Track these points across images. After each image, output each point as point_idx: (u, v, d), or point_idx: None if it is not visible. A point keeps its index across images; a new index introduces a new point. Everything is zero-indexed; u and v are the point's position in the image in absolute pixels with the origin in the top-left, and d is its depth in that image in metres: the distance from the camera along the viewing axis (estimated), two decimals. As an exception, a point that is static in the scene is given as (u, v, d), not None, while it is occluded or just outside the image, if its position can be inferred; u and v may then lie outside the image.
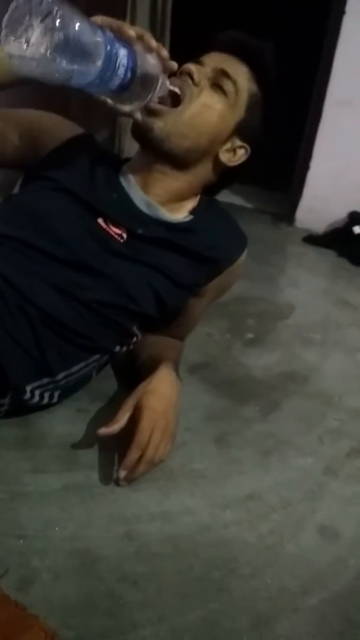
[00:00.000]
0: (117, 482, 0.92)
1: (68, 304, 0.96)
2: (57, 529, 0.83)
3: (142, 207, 1.02)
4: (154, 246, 1.02)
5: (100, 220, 1.00)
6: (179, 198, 1.05)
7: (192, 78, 0.96)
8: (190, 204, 1.08)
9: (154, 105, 0.91)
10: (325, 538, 0.90)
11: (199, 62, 0.99)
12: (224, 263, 1.10)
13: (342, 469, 1.07)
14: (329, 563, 0.85)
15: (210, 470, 0.97)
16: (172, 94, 0.92)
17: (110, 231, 1.00)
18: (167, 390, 1.00)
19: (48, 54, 0.70)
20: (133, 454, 0.91)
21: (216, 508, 0.91)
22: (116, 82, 0.78)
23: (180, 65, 0.92)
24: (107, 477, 0.94)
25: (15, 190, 1.09)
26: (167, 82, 0.88)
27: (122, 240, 1.00)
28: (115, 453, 0.97)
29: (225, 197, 1.19)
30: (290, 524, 0.91)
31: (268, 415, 1.19)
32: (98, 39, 0.75)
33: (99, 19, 0.80)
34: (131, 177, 1.03)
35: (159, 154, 0.99)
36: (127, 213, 1.01)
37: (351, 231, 2.57)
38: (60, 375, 0.99)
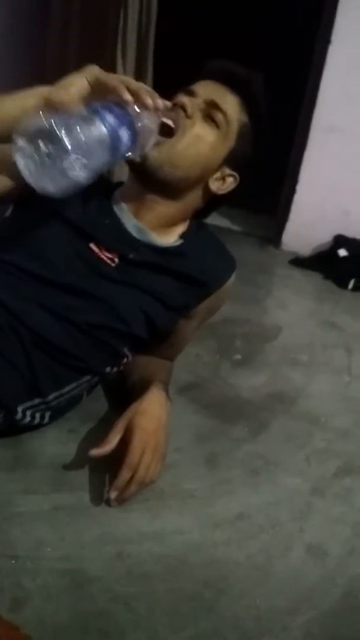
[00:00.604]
0: (108, 503, 0.93)
1: (60, 325, 0.98)
2: (48, 549, 0.83)
3: (134, 233, 1.05)
4: (145, 270, 1.05)
5: (92, 245, 1.02)
6: (170, 224, 1.08)
7: (185, 110, 0.99)
8: (180, 228, 1.11)
9: (165, 120, 0.96)
10: (313, 557, 0.91)
11: (190, 93, 1.02)
12: (213, 285, 1.13)
13: (330, 489, 1.08)
14: (317, 582, 0.86)
15: (200, 490, 0.98)
16: (166, 126, 0.95)
17: (102, 255, 1.02)
18: (157, 411, 1.01)
19: (59, 173, 0.77)
20: (124, 475, 0.92)
21: (206, 528, 0.92)
22: (122, 153, 0.84)
23: (171, 90, 0.96)
24: (98, 497, 0.94)
25: (7, 214, 1.11)
26: (160, 114, 0.91)
27: (113, 265, 1.03)
28: (106, 474, 0.98)
29: (213, 219, 1.22)
30: (278, 544, 0.92)
31: (256, 436, 1.21)
32: (103, 133, 0.81)
33: (93, 74, 0.85)
34: (123, 204, 1.06)
35: (151, 182, 1.01)
36: (118, 239, 1.04)
37: (336, 254, 2.62)
38: (52, 396, 1.00)
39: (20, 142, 0.76)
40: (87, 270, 1.02)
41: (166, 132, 0.96)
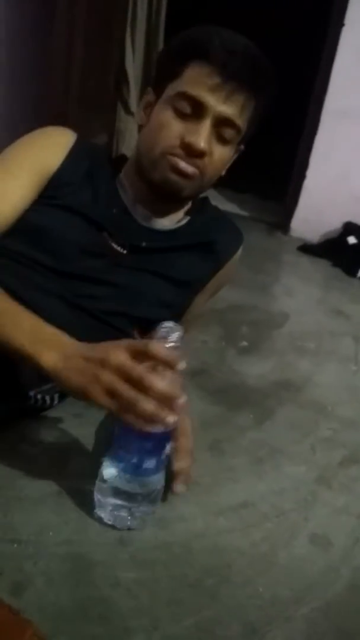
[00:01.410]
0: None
1: (72, 314, 0.98)
2: (50, 533, 0.82)
3: (142, 221, 1.05)
4: (157, 254, 1.06)
5: (104, 234, 1.02)
6: (177, 210, 1.09)
7: (204, 155, 0.95)
8: (186, 207, 1.11)
9: (186, 168, 0.95)
10: (318, 547, 0.90)
11: (199, 110, 0.92)
12: (224, 256, 1.14)
13: (335, 478, 1.07)
14: (321, 572, 0.85)
15: (204, 478, 0.97)
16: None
17: (113, 244, 1.03)
18: None
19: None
20: (188, 462, 0.90)
21: (210, 515, 0.91)
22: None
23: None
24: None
25: None
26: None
27: (125, 252, 1.03)
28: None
29: (221, 204, 1.21)
30: (282, 533, 0.91)
31: (262, 424, 1.20)
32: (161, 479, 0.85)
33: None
34: (130, 191, 1.05)
35: (168, 196, 1.02)
36: (128, 228, 1.04)
37: (345, 241, 2.60)
38: None
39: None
40: (99, 259, 1.02)
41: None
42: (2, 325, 0.80)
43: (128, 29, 2.82)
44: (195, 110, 0.93)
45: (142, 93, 2.95)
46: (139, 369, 0.72)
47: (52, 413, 1.05)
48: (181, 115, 0.94)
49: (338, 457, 1.14)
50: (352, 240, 2.58)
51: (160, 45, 2.90)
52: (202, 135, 0.93)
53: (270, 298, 2.10)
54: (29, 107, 3.05)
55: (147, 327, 1.09)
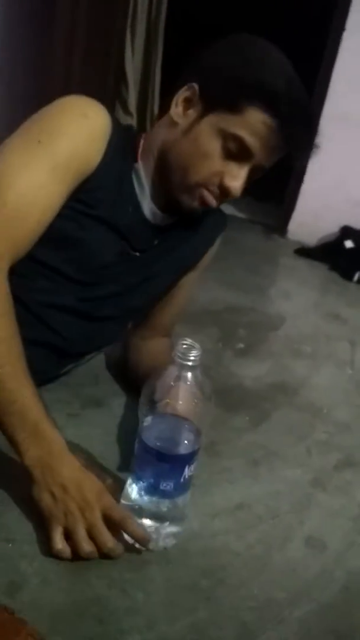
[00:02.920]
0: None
1: (81, 326, 1.03)
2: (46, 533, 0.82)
3: (151, 219, 1.04)
4: (165, 249, 1.08)
5: (124, 243, 1.02)
6: None
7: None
8: None
9: (213, 203, 0.97)
10: (312, 549, 0.90)
11: (244, 155, 0.93)
12: (217, 232, 1.19)
13: (330, 481, 1.08)
14: (316, 574, 0.86)
15: (200, 479, 0.97)
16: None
17: (130, 251, 1.04)
18: None
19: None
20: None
21: (205, 517, 0.91)
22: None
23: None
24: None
25: None
26: None
27: (137, 255, 1.05)
28: (105, 459, 0.97)
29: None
30: (278, 535, 0.92)
31: (258, 426, 1.20)
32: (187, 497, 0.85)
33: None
34: (146, 187, 1.02)
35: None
36: (141, 230, 1.03)
37: (342, 245, 2.60)
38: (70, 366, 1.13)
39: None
40: (117, 265, 1.03)
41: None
42: (10, 414, 0.80)
43: (128, 29, 2.82)
44: (242, 154, 0.93)
45: (141, 91, 2.96)
46: (105, 537, 0.78)
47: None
48: (227, 153, 0.93)
49: (333, 460, 1.14)
50: (349, 244, 2.59)
51: (160, 45, 2.90)
52: (240, 182, 0.94)
53: (267, 300, 2.10)
54: (29, 107, 3.04)
55: (140, 317, 1.19)
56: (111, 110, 2.87)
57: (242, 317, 1.82)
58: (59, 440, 0.82)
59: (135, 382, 1.11)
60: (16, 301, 0.86)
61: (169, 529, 0.83)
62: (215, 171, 0.94)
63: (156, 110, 2.92)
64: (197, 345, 0.77)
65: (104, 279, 1.02)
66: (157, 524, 0.82)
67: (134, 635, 0.71)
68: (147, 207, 1.02)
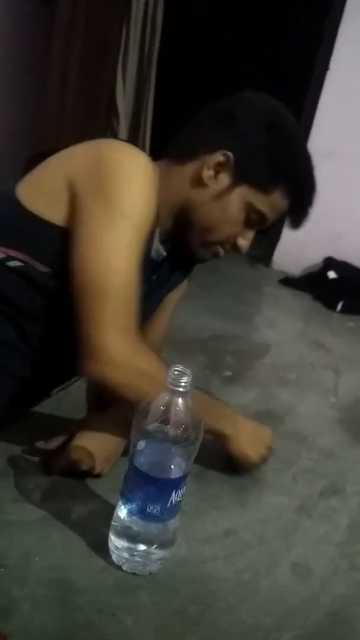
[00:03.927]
0: None
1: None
2: (37, 558, 0.83)
3: (154, 256, 1.07)
4: (161, 282, 1.14)
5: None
6: None
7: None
8: None
9: (221, 254, 1.09)
10: (298, 575, 0.92)
11: (261, 219, 1.04)
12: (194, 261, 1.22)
13: (315, 508, 1.10)
14: (302, 600, 0.87)
15: (189, 506, 0.98)
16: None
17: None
18: None
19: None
20: None
21: (194, 543, 0.93)
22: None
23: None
24: (87, 506, 0.95)
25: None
26: None
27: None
28: (94, 483, 0.98)
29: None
30: (265, 561, 0.93)
31: (245, 453, 1.22)
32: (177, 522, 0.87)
33: None
34: (157, 231, 1.04)
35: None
36: (146, 269, 1.02)
37: (326, 276, 2.66)
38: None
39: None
40: None
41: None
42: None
43: (119, 60, 2.88)
44: (258, 224, 1.05)
45: (132, 123, 3.02)
46: None
47: (40, 435, 1.05)
48: (247, 222, 1.04)
49: (318, 487, 1.16)
50: (332, 275, 2.65)
51: (153, 76, 2.96)
52: (249, 242, 1.07)
53: (252, 329, 2.14)
54: (27, 117, 3.09)
55: None
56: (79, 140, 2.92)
57: (229, 344, 1.85)
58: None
59: None
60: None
61: (158, 553, 0.84)
62: (234, 234, 1.05)
63: (147, 142, 2.98)
64: (188, 371, 0.79)
65: None
66: (147, 547, 0.83)
67: (125, 660, 0.72)
68: (154, 248, 1.06)
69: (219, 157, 0.99)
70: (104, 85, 2.94)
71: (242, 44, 3.84)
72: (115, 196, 0.91)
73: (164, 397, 0.80)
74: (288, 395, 1.57)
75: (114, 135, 2.85)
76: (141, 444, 0.81)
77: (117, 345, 0.89)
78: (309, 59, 2.73)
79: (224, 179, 1.00)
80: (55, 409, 1.17)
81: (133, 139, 2.97)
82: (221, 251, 1.08)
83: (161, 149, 1.09)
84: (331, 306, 2.49)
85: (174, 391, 0.79)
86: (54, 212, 0.93)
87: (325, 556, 0.97)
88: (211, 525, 0.98)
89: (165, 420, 0.79)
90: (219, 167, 1.00)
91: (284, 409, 1.48)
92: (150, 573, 0.84)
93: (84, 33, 2.99)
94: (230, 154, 0.99)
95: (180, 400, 0.79)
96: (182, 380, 0.78)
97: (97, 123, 2.95)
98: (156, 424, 0.80)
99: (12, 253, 0.93)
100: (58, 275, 0.93)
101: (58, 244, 0.92)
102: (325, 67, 2.60)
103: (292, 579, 0.91)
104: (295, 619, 0.83)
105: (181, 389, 0.78)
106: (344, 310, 2.47)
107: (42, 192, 0.95)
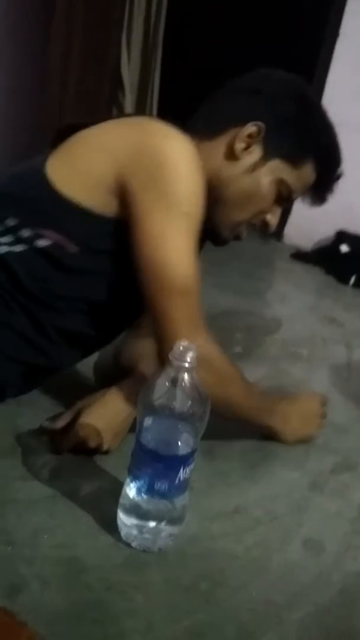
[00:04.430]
0: None
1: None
2: (45, 536, 0.83)
3: None
4: None
5: None
6: None
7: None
8: None
9: (244, 235, 1.09)
10: (310, 552, 0.91)
11: (289, 196, 1.05)
12: None
13: (327, 484, 1.08)
14: (314, 577, 0.86)
15: (198, 482, 0.97)
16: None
17: None
18: None
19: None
20: None
21: (204, 520, 0.92)
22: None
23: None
24: (95, 484, 0.94)
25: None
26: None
27: None
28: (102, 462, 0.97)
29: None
30: (276, 537, 0.92)
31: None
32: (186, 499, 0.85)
33: None
34: None
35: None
36: None
37: (338, 250, 2.61)
38: None
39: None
40: None
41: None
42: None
43: (124, 31, 2.82)
44: (287, 199, 1.05)
45: (139, 96, 2.96)
46: None
47: (46, 414, 1.04)
48: (278, 197, 1.04)
49: (330, 463, 1.15)
50: (344, 248, 2.60)
51: (160, 47, 2.90)
52: (278, 219, 1.07)
53: (263, 304, 2.11)
54: (27, 117, 3.06)
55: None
56: (108, 115, 2.89)
57: (239, 320, 1.83)
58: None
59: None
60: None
61: (167, 530, 0.83)
62: (264, 210, 1.04)
63: (155, 113, 2.93)
64: (193, 347, 0.77)
65: None
66: (156, 524, 0.82)
67: (133, 638, 0.71)
68: None
69: (250, 128, 0.98)
70: (108, 57, 2.88)
71: (249, 13, 3.74)
72: (173, 196, 0.90)
73: (170, 373, 0.78)
74: (299, 371, 1.55)
75: (120, 108, 2.80)
76: (147, 421, 0.80)
77: (200, 345, 0.85)
78: (317, 32, 2.65)
79: (256, 152, 0.99)
80: (62, 387, 1.16)
81: (140, 110, 2.92)
82: (244, 233, 1.07)
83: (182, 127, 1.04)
84: (343, 280, 2.45)
85: (180, 367, 0.77)
86: (97, 200, 0.92)
87: (338, 532, 0.96)
88: (221, 501, 0.97)
89: (171, 397, 0.78)
90: (250, 140, 0.99)
91: (296, 384, 1.46)
92: (160, 550, 0.84)
93: (86, 2, 2.93)
94: (261, 124, 0.98)
95: (186, 376, 0.78)
96: (187, 356, 0.76)
97: (101, 97, 2.90)
98: (162, 401, 0.78)
99: (45, 232, 0.92)
100: (84, 255, 0.93)
101: (92, 226, 0.92)
102: (335, 34, 2.53)
103: (303, 555, 0.90)
104: (307, 596, 0.82)
105: (186, 365, 0.77)
106: (356, 285, 2.43)
107: (78, 174, 0.94)
